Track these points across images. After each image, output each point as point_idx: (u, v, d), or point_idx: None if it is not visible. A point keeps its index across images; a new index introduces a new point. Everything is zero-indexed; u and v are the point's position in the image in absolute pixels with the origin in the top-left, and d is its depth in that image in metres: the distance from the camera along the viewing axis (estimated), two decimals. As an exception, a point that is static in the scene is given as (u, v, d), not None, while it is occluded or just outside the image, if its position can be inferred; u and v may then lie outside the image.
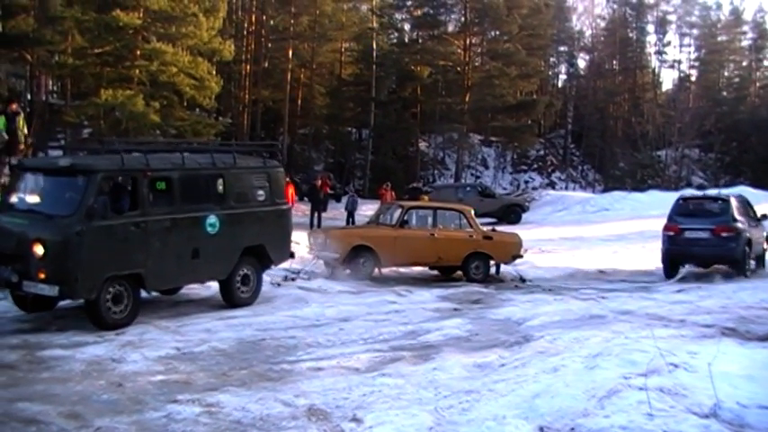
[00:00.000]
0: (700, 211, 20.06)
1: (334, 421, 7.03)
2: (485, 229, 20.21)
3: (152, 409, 7.28)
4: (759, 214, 21.29)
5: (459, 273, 19.06)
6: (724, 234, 18.80)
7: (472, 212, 20.02)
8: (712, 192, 24.38)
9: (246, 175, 13.88)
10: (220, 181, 13.28)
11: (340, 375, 8.58)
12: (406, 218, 18.56)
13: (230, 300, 13.37)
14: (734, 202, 19.87)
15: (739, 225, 19.18)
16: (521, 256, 19.77)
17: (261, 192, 13.90)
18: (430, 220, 19.20)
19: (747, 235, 19.37)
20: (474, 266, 18.77)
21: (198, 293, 14.49)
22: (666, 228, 19.71)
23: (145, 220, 11.70)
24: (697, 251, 19.11)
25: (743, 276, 18.91)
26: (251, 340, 10.59)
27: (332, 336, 10.97)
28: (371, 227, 19.33)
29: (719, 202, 20.13)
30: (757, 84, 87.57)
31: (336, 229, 19.45)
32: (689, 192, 25.00)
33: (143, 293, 12.01)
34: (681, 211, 20.03)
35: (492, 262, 19.08)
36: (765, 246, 21.42)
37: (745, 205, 20.86)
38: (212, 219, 12.70)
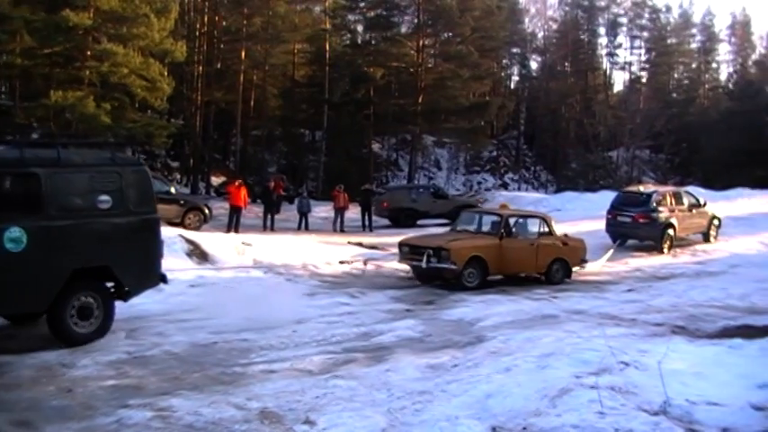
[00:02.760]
0: (631, 201, 25.79)
1: (287, 424, 7.02)
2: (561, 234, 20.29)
3: (102, 415, 7.21)
4: (702, 201, 27.63)
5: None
6: (641, 220, 24.88)
7: (552, 220, 20.49)
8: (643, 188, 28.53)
9: (80, 176, 10.50)
10: (34, 182, 9.98)
11: (293, 378, 8.57)
12: (508, 227, 18.51)
13: (61, 336, 10.28)
14: (656, 196, 25.67)
15: (655, 214, 24.93)
16: (586, 261, 20.18)
17: (106, 197, 10.49)
18: (524, 228, 19.28)
19: (669, 221, 25.11)
20: (554, 270, 18.95)
21: (152, 297, 14.38)
22: (608, 212, 26.14)
23: None
24: (625, 230, 25.67)
25: (660, 253, 24.54)
26: (204, 343, 10.52)
27: (285, 338, 10.94)
28: (475, 236, 18.78)
29: (644, 196, 25.96)
30: (706, 86, 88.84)
31: (446, 240, 18.48)
32: (629, 187, 28.97)
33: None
34: (619, 201, 26.29)
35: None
36: (712, 224, 27.32)
37: (679, 195, 26.99)
38: (14, 233, 9.62)
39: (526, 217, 20.05)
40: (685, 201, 26.71)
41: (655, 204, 25.07)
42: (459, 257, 17.14)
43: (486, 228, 19.00)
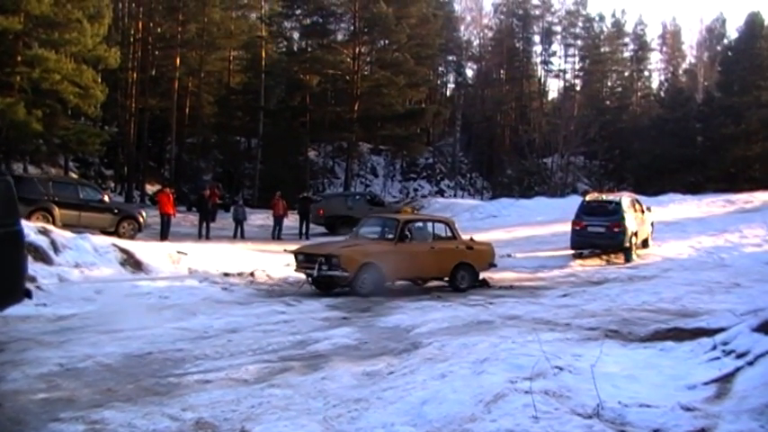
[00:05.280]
0: (600, 211, 25.19)
1: (223, 434, 6.96)
2: (466, 238, 20.13)
3: (33, 429, 7.06)
4: (645, 207, 27.67)
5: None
6: (616, 229, 24.37)
7: (456, 224, 20.34)
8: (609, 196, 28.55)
9: None
10: None
11: (228, 387, 8.47)
12: (404, 232, 18.29)
13: None
14: (624, 203, 25.39)
15: (627, 222, 24.50)
16: (495, 265, 20.09)
17: None
18: (424, 233, 19.17)
19: (634, 229, 24.93)
20: (460, 276, 18.83)
21: (84, 307, 14.18)
22: (574, 223, 25.25)
23: None
24: (596, 241, 25.00)
25: (630, 260, 24.45)
26: (137, 354, 10.36)
27: (220, 347, 10.82)
28: (368, 242, 18.62)
29: (613, 204, 25.41)
30: (638, 93, 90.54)
31: (337, 247, 18.36)
32: (590, 196, 28.26)
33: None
34: (585, 210, 25.47)
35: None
36: (650, 230, 27.66)
37: (634, 203, 26.92)
38: None
39: (426, 221, 20.21)
40: (637, 207, 26.76)
41: (625, 212, 24.86)
42: (351, 264, 17.07)
43: (383, 233, 18.91)
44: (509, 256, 24.89)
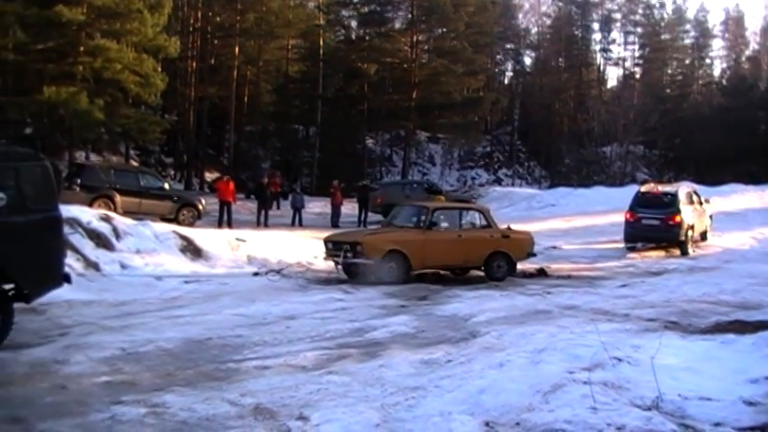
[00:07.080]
0: (654, 203, 24.40)
1: (281, 420, 6.97)
2: (503, 227, 19.79)
3: (96, 411, 7.15)
4: (703, 199, 26.90)
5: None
6: (671, 222, 23.60)
7: (491, 212, 20.12)
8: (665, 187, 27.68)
9: None
10: None
11: (286, 374, 8.52)
12: (433, 220, 18.13)
13: None
14: (681, 195, 24.55)
15: (683, 215, 23.68)
16: (534, 254, 19.71)
17: None
18: (454, 221, 18.89)
19: (690, 222, 24.14)
20: (496, 265, 18.49)
21: (146, 293, 14.38)
22: (628, 215, 24.47)
23: None
24: (650, 234, 24.17)
25: (686, 254, 23.66)
26: (197, 339, 10.47)
27: (279, 334, 10.89)
28: (396, 230, 18.52)
29: (669, 196, 24.64)
30: (700, 81, 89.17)
31: (362, 234, 18.64)
32: (645, 187, 27.06)
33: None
34: (639, 202, 24.68)
35: None
36: (708, 222, 26.88)
37: (692, 194, 26.05)
38: None
39: (458, 209, 19.89)
40: (694, 199, 25.92)
41: (681, 204, 24.03)
42: (375, 251, 16.97)
43: (412, 221, 18.75)
44: (554, 248, 24.61)
